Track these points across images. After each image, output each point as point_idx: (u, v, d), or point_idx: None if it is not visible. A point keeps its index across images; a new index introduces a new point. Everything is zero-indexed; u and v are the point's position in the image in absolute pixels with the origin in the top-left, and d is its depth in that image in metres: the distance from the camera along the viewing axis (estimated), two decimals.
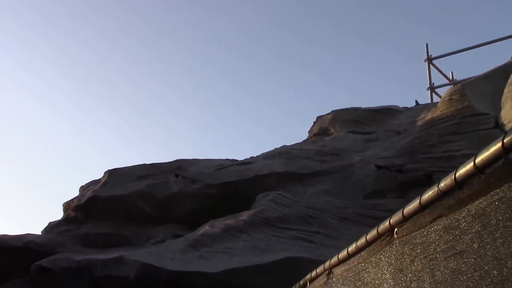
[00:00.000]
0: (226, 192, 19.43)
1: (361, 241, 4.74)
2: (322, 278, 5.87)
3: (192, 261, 16.54)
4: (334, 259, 5.50)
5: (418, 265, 3.59)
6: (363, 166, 18.11)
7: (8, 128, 69.57)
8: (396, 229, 4.06)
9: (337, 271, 5.44)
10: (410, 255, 3.73)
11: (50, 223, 24.09)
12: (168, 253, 17.96)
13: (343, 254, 5.23)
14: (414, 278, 3.63)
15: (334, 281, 5.45)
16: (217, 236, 16.97)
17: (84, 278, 19.89)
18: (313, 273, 6.21)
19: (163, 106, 76.78)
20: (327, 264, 5.74)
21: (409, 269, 3.74)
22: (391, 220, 4.13)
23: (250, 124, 75.51)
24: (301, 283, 6.95)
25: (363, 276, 4.63)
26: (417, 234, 3.65)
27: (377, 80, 69.35)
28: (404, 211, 3.88)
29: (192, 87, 74.58)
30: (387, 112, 22.35)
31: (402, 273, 3.85)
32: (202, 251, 16.98)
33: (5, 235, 23.01)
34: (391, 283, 3.98)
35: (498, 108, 17.19)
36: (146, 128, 75.48)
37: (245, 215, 16.92)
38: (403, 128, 20.25)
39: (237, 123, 76.10)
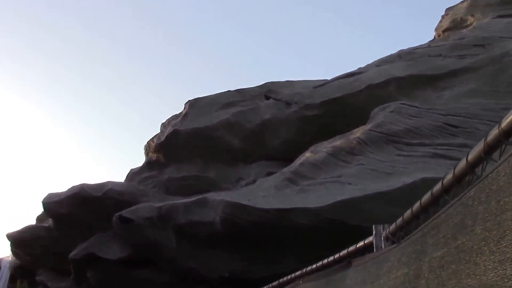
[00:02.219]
0: (330, 112, 15.09)
1: None
2: None
3: (290, 197, 12.52)
4: None
5: None
6: None
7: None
8: None
9: None
10: None
11: (131, 170, 21.27)
12: (260, 191, 14.08)
13: None
14: None
15: None
16: (321, 163, 12.77)
17: (167, 226, 16.71)
18: None
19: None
20: None
21: None
22: None
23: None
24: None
25: None
26: None
27: None
28: None
29: None
30: None
31: None
32: (303, 184, 12.89)
33: (85, 184, 20.46)
34: None
35: None
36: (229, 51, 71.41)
37: (358, 132, 12.54)
38: None
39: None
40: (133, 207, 18.44)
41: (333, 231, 10.87)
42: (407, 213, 2.87)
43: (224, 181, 17.26)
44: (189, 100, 18.00)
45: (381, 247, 3.44)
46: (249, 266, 14.68)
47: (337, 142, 12.86)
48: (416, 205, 2.70)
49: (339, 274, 3.64)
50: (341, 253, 4.27)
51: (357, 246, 4.03)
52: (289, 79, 17.09)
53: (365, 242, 3.87)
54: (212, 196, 14.57)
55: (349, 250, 4.20)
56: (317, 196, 11.58)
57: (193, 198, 15.21)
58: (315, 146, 13.59)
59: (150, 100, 78.47)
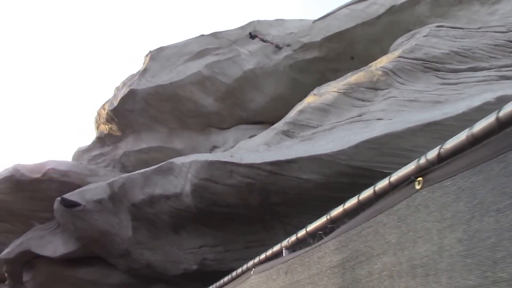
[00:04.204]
0: (334, 52, 11.70)
1: None
2: None
3: (290, 148, 9.03)
4: None
5: None
6: None
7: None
8: None
9: None
10: None
11: (78, 148, 17.38)
12: (243, 150, 10.57)
13: None
14: None
15: None
16: (331, 106, 9.33)
17: (120, 209, 13.03)
18: None
19: None
20: None
21: None
22: None
23: None
24: None
25: None
26: None
27: None
28: None
29: None
30: None
31: None
32: (306, 134, 9.43)
33: (19, 164, 16.45)
34: None
35: None
36: None
37: (383, 62, 9.14)
38: None
39: None
40: (80, 189, 14.71)
41: (356, 186, 7.38)
42: None
43: (193, 152, 13.60)
44: (150, 51, 14.29)
45: None
46: (224, 254, 11.12)
47: (351, 78, 9.44)
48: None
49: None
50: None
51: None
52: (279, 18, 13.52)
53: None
54: (179, 159, 10.91)
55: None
56: (331, 140, 8.10)
57: (155, 166, 11.52)
58: (318, 88, 10.15)
59: (100, 60, 61.29)
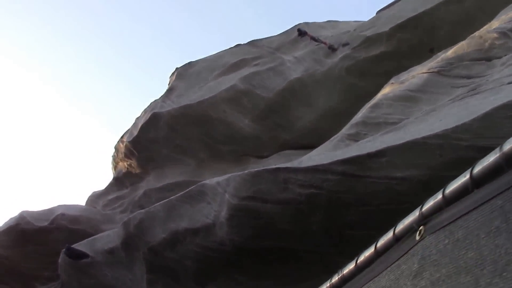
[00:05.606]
0: (410, 44, 9.24)
1: None
2: None
3: (368, 142, 6.38)
4: None
5: None
6: None
7: None
8: None
9: None
10: None
11: (93, 193, 14.96)
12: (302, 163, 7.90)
13: None
14: None
15: None
16: (420, 91, 6.76)
17: (134, 257, 10.44)
18: None
19: None
20: None
21: None
22: None
23: None
24: None
25: None
26: None
27: None
28: None
29: None
30: None
31: None
32: (386, 130, 6.77)
33: (25, 211, 14.12)
34: None
35: None
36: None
37: (494, 25, 6.63)
38: None
39: None
40: (90, 238, 12.21)
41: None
42: None
43: None
44: (176, 68, 12.06)
45: None
46: None
47: (447, 53, 6.90)
48: None
49: None
50: None
51: None
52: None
53: None
54: (214, 179, 8.31)
55: None
56: (437, 120, 5.47)
57: (181, 193, 8.92)
58: (397, 77, 7.61)
59: (122, 86, 55.16)
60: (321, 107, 10.45)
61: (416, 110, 6.75)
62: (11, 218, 14.33)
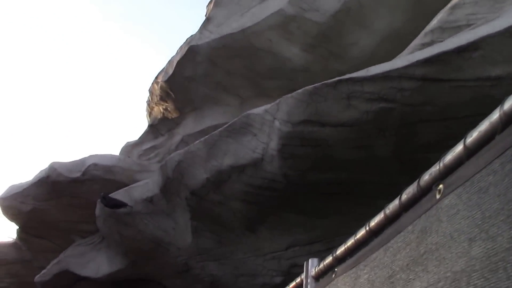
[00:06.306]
0: None
1: None
2: None
3: (455, 37, 4.94)
4: None
5: None
6: None
7: None
8: None
9: None
10: None
11: (127, 143, 13.98)
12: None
13: None
14: None
15: None
16: None
17: (176, 203, 9.45)
18: None
19: None
20: None
21: None
22: None
23: None
24: None
25: None
26: None
27: None
28: None
29: None
30: None
31: None
32: (479, 22, 5.31)
33: (56, 162, 13.23)
34: None
35: None
36: None
37: None
38: None
39: None
40: (126, 188, 11.32)
41: None
42: None
43: None
44: None
45: None
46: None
47: None
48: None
49: None
50: None
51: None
52: None
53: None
54: (260, 108, 7.08)
55: None
56: None
57: (223, 127, 7.73)
58: None
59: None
60: (380, 30, 9.02)
61: (508, 4, 5.32)
62: (42, 170, 13.53)
